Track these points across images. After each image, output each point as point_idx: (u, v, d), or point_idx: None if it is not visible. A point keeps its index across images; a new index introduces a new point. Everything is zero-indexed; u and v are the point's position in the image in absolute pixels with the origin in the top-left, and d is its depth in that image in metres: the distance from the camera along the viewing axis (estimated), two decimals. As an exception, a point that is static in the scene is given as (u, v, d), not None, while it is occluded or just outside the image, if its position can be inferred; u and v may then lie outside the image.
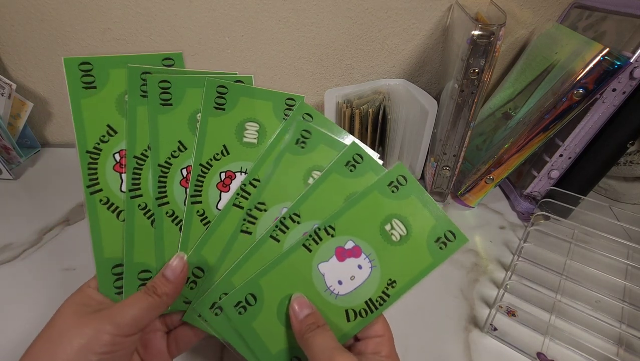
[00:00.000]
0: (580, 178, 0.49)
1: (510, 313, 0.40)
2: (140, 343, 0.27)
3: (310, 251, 0.28)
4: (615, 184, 0.57)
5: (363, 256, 0.28)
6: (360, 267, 0.27)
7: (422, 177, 0.61)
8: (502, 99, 0.56)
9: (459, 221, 0.53)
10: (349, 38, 0.59)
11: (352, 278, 0.27)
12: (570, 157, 0.48)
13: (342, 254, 0.28)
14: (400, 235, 0.28)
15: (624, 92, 0.42)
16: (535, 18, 0.57)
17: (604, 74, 0.40)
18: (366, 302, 0.27)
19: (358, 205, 0.28)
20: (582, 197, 0.49)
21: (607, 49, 0.39)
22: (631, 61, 0.39)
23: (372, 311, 0.27)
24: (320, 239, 0.28)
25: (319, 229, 0.28)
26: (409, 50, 0.61)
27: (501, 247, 0.49)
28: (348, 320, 0.27)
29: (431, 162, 0.56)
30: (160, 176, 0.27)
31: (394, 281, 0.27)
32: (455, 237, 0.28)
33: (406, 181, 0.29)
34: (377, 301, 0.27)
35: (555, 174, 0.50)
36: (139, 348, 0.26)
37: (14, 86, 0.56)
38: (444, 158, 0.52)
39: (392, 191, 0.28)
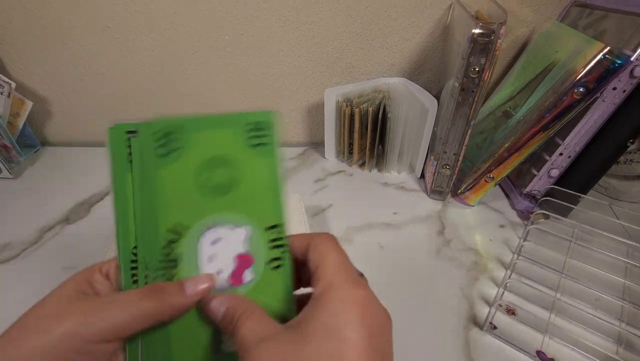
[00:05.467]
0: (580, 177, 0.49)
1: (510, 311, 0.40)
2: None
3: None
4: (615, 183, 0.57)
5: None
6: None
7: (422, 176, 0.61)
8: (502, 98, 0.56)
9: (459, 220, 0.53)
10: (349, 36, 0.59)
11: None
12: (570, 156, 0.48)
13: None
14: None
15: (624, 91, 0.42)
16: (536, 16, 0.57)
17: (605, 73, 0.40)
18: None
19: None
20: (582, 195, 0.49)
21: (608, 47, 0.39)
22: (632, 59, 0.39)
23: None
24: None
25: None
26: (409, 49, 0.60)
27: (501, 246, 0.49)
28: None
29: (431, 160, 0.56)
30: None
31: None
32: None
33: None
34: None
35: (555, 172, 0.50)
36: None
37: (13, 85, 0.56)
38: (444, 157, 0.52)
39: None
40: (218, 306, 0.21)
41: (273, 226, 0.23)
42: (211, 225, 0.23)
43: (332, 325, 0.17)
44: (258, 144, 0.23)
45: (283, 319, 0.20)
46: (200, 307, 0.22)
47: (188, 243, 0.23)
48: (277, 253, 0.23)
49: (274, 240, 0.23)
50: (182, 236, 0.22)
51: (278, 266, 0.23)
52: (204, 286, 0.22)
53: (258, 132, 0.23)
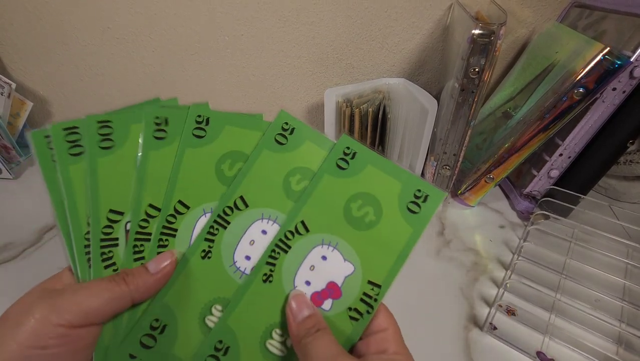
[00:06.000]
0: (580, 177, 0.49)
1: (510, 312, 0.40)
2: None
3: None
4: (615, 183, 0.57)
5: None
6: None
7: (422, 176, 0.61)
8: (502, 98, 0.56)
9: (459, 221, 0.53)
10: (349, 37, 0.59)
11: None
12: (570, 157, 0.48)
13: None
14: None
15: (624, 92, 0.42)
16: (536, 17, 0.57)
17: (605, 74, 0.40)
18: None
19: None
20: (582, 196, 0.49)
21: (608, 48, 0.39)
22: (631, 60, 0.39)
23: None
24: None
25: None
26: (409, 49, 0.60)
27: (501, 246, 0.49)
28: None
29: (431, 161, 0.56)
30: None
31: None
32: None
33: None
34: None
35: (555, 173, 0.50)
36: None
37: (13, 85, 0.56)
38: (444, 157, 0.52)
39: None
40: (304, 308, 0.22)
41: (376, 285, 0.23)
42: (330, 243, 0.24)
43: None
44: (412, 212, 0.24)
45: None
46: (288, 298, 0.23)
47: (303, 244, 0.24)
48: (362, 307, 0.23)
49: (367, 295, 0.23)
50: (302, 235, 0.24)
51: (355, 319, 0.23)
52: (166, 262, 0.22)
53: (417, 200, 0.24)
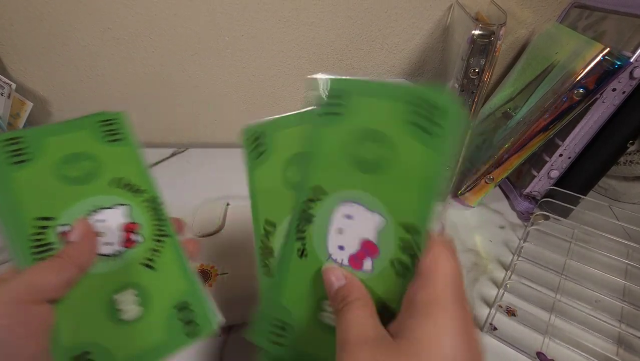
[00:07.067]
0: (580, 178, 0.49)
1: (510, 312, 0.40)
2: None
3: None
4: (615, 184, 0.57)
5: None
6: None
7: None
8: (502, 99, 0.56)
9: (459, 221, 0.53)
10: (349, 37, 0.59)
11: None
12: (570, 157, 0.48)
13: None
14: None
15: (624, 92, 0.42)
16: (536, 18, 0.57)
17: (605, 74, 0.40)
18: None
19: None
20: (582, 196, 0.49)
21: (608, 48, 0.39)
22: (631, 60, 0.39)
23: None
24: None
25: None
26: (409, 50, 0.60)
27: (501, 246, 0.49)
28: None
29: (431, 161, 0.56)
30: None
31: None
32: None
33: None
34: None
35: (555, 173, 0.50)
36: None
37: (13, 86, 0.56)
38: (444, 158, 0.52)
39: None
40: (335, 280, 0.21)
41: (411, 227, 0.20)
42: (349, 199, 0.22)
43: (436, 347, 0.17)
44: (424, 129, 0.20)
45: (384, 319, 0.19)
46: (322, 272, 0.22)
47: (323, 208, 0.23)
48: (406, 258, 0.20)
49: (406, 242, 0.20)
50: (320, 200, 0.23)
51: (402, 273, 0.20)
52: (81, 226, 0.24)
53: (427, 113, 0.20)
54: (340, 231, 0.22)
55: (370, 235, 0.21)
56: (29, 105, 0.60)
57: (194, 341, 0.24)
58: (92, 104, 0.65)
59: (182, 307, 0.25)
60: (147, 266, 0.25)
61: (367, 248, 0.22)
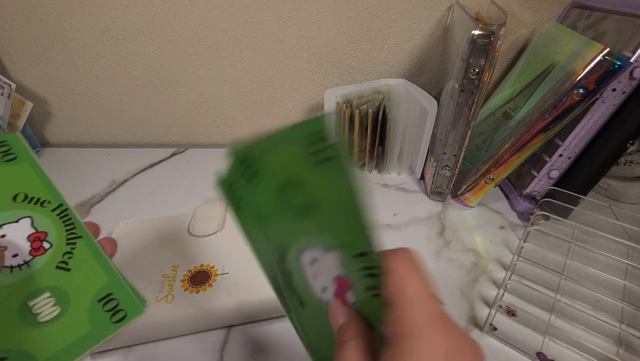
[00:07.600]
0: (580, 178, 0.49)
1: (510, 312, 0.40)
2: None
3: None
4: (615, 184, 0.57)
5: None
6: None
7: (422, 177, 0.61)
8: (502, 99, 0.56)
9: (459, 221, 0.53)
10: (349, 38, 0.59)
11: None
12: (570, 157, 0.48)
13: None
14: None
15: (624, 92, 0.42)
16: (536, 18, 0.57)
17: (605, 74, 0.40)
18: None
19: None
20: (582, 197, 0.49)
21: (608, 49, 0.39)
22: (631, 60, 0.39)
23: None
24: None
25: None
26: (409, 50, 0.61)
27: (501, 247, 0.49)
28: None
29: (431, 162, 0.56)
30: None
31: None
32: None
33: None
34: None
35: (555, 174, 0.50)
36: None
37: (13, 86, 0.56)
38: (444, 158, 0.52)
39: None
40: (337, 317, 0.22)
41: (361, 253, 0.20)
42: (306, 247, 0.23)
43: None
44: (322, 160, 0.20)
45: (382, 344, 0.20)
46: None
47: (293, 261, 0.23)
48: (372, 281, 0.20)
49: (365, 268, 0.20)
50: (286, 254, 0.24)
51: (378, 295, 0.20)
52: None
53: (317, 145, 0.19)
54: (315, 276, 0.23)
55: (338, 271, 0.22)
56: (29, 105, 0.60)
57: (123, 326, 0.25)
58: (92, 104, 0.65)
59: (105, 298, 0.25)
60: (62, 268, 0.26)
61: (341, 283, 0.22)
